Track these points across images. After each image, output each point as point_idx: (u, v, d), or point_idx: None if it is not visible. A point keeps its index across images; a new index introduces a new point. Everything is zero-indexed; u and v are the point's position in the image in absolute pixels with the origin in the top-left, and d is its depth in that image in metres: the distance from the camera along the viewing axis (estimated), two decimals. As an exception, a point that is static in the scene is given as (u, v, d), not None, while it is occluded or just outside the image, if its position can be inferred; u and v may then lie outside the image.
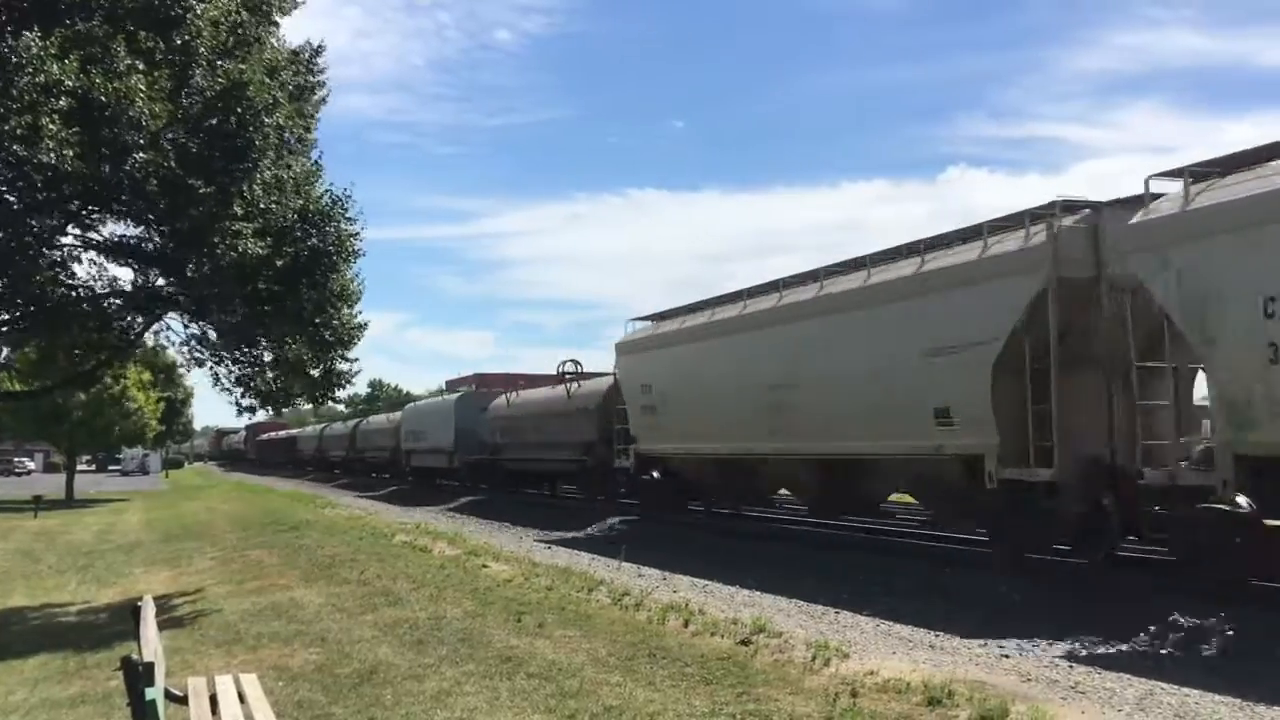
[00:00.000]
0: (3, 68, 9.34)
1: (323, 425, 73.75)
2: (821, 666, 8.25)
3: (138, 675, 4.27)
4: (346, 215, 13.64)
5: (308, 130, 13.69)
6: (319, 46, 13.87)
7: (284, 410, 18.47)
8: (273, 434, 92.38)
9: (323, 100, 13.99)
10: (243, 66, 11.22)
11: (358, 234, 13.77)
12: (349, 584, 13.70)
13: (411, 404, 48.68)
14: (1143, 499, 11.13)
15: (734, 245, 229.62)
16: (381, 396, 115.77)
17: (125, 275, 14.22)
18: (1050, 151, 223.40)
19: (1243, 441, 9.72)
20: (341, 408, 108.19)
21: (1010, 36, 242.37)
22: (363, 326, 14.70)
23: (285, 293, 12.92)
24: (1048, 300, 11.97)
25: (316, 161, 14.00)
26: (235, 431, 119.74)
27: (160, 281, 13.81)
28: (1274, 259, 9.26)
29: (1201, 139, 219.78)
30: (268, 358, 14.74)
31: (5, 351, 17.23)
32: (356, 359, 15.23)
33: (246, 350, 14.63)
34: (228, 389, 15.09)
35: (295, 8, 13.06)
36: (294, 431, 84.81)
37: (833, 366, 15.81)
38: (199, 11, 10.85)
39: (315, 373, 14.90)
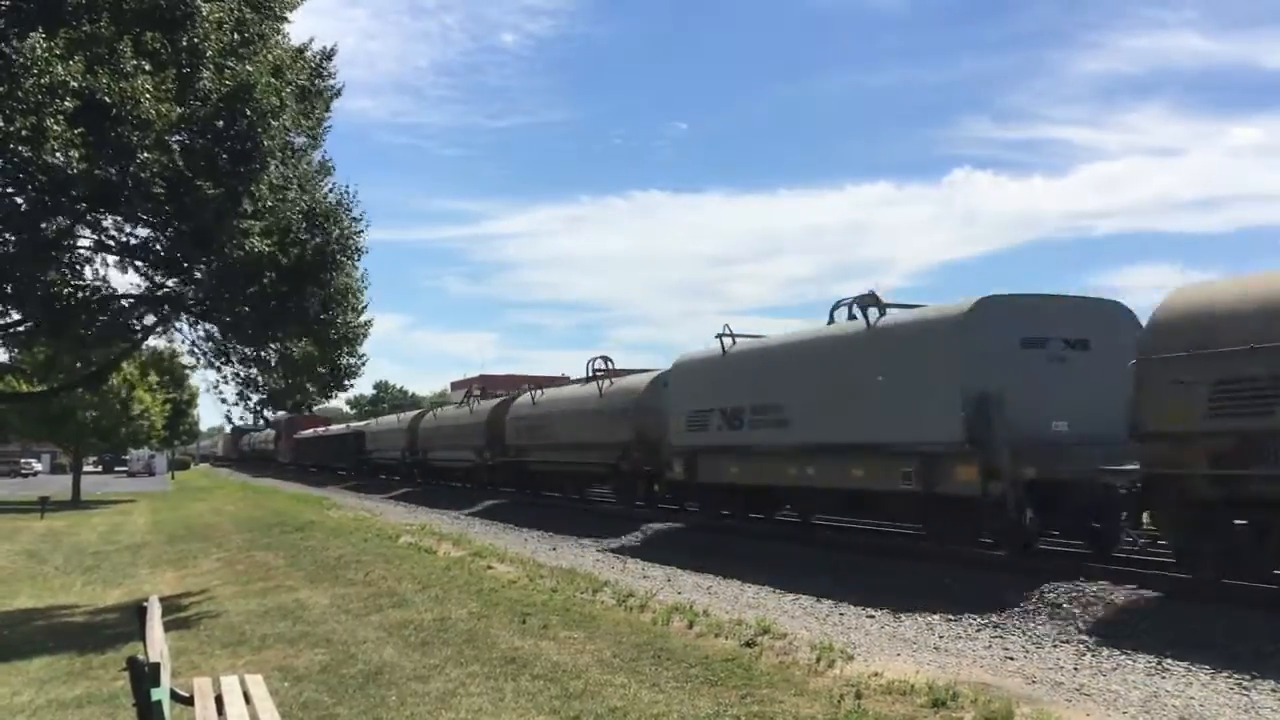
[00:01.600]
0: (8, 69, 9.37)
1: (418, 412, 48.02)
2: (826, 668, 8.26)
3: (143, 676, 4.27)
4: (351, 214, 13.73)
5: (316, 131, 13.75)
6: (330, 50, 13.92)
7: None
8: (318, 430, 70.19)
9: (335, 94, 13.99)
10: (249, 68, 11.26)
11: (360, 232, 13.86)
12: (354, 585, 13.72)
13: (695, 351, 21.18)
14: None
15: (738, 247, 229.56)
16: (386, 398, 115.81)
17: (133, 277, 14.31)
18: (1055, 154, 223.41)
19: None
20: (346, 408, 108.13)
21: (1014, 39, 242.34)
22: (368, 324, 14.83)
23: (290, 292, 12.98)
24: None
25: (323, 161, 14.07)
26: (258, 429, 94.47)
27: (168, 283, 13.87)
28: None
29: (1207, 141, 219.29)
30: (274, 357, 14.84)
31: (14, 352, 17.33)
32: (364, 354, 15.38)
33: (253, 350, 14.72)
34: (224, 398, 15.21)
35: (300, 2, 13.08)
36: (359, 425, 61.43)
37: None
38: (205, 13, 10.88)
39: (322, 370, 15.03)
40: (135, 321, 14.87)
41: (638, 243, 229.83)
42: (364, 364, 15.52)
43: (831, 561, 14.92)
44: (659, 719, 6.88)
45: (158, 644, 5.11)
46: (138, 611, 5.57)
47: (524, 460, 30.51)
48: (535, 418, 29.50)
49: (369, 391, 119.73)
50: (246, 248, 11.60)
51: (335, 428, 68.05)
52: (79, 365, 17.09)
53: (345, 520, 26.16)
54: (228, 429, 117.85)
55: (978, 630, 10.33)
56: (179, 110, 10.69)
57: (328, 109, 13.89)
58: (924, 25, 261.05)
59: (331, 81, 13.90)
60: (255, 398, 15.52)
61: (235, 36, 11.55)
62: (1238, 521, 10.10)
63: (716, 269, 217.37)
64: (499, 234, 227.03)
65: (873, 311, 15.38)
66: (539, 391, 30.70)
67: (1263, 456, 9.58)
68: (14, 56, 9.39)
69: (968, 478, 13.10)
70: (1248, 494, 9.77)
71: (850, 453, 15.29)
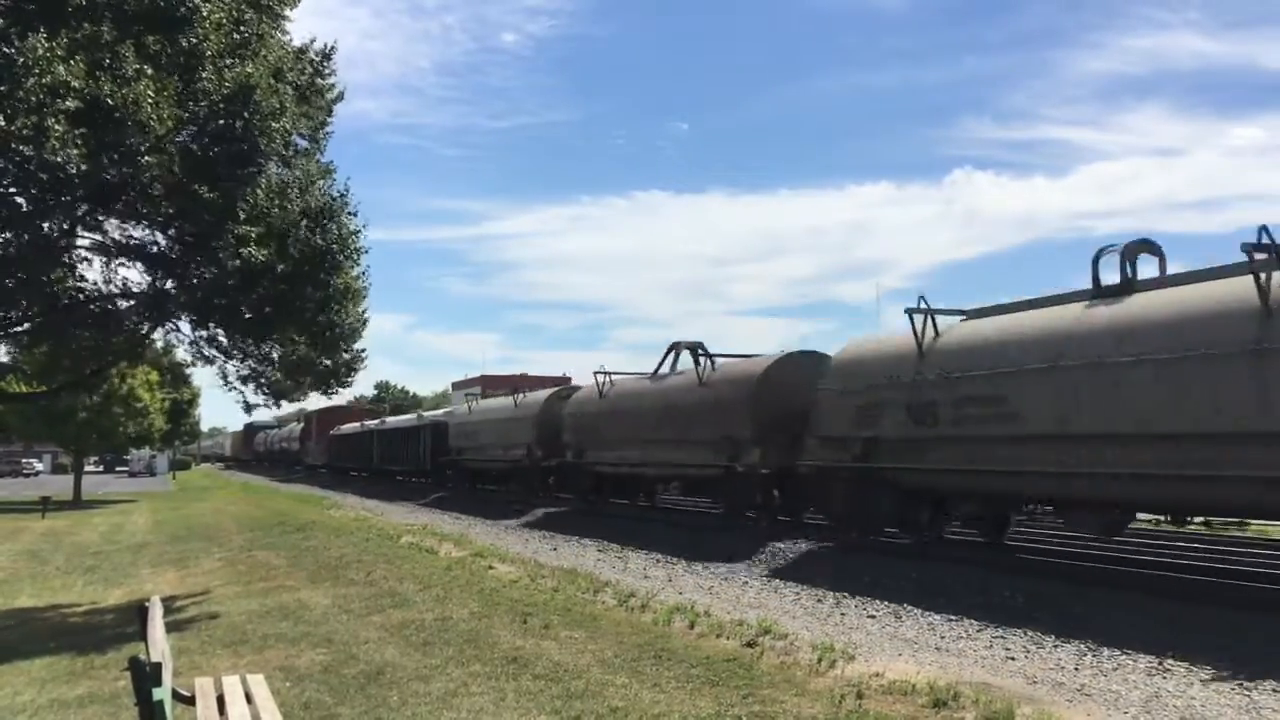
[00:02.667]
0: (10, 70, 9.38)
1: (555, 391, 30.93)
2: (827, 668, 8.26)
3: (145, 675, 4.28)
4: (348, 212, 13.75)
5: (316, 133, 13.73)
6: (330, 48, 13.90)
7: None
8: (366, 424, 54.47)
9: (338, 98, 13.98)
10: (249, 70, 11.26)
11: (358, 232, 13.87)
12: (356, 585, 13.73)
13: None
14: None
15: (739, 247, 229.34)
16: (387, 398, 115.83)
17: (134, 278, 14.32)
18: (1056, 154, 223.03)
19: None
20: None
21: (1015, 39, 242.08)
22: (364, 317, 14.87)
23: (289, 293, 12.99)
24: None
25: (325, 164, 14.06)
26: (278, 425, 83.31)
27: (168, 284, 13.88)
28: None
29: (1207, 141, 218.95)
30: (275, 355, 14.88)
31: (13, 353, 17.34)
32: (363, 350, 15.44)
33: (254, 349, 14.74)
34: (235, 387, 15.24)
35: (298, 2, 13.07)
36: (436, 414, 44.76)
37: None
38: (205, 13, 10.88)
39: (325, 364, 15.09)
40: (135, 323, 14.88)
41: (639, 243, 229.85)
42: (364, 360, 15.60)
43: None
44: (660, 719, 6.89)
45: (159, 644, 5.12)
46: (139, 611, 5.58)
47: (887, 468, 15.07)
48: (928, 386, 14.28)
49: (370, 392, 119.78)
50: (243, 255, 11.60)
51: (398, 420, 51.17)
52: (85, 359, 17.04)
53: (346, 520, 26.16)
54: (239, 426, 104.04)
55: (978, 630, 10.33)
56: (179, 113, 10.69)
57: (329, 113, 13.86)
58: (925, 26, 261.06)
59: (332, 81, 13.90)
60: (256, 399, 15.56)
61: (234, 37, 11.54)
62: None
63: (717, 269, 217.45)
64: (500, 234, 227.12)
65: None
66: (873, 339, 16.40)
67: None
68: (15, 57, 9.39)
69: None
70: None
71: None
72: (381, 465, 47.87)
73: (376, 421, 53.85)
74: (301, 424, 69.09)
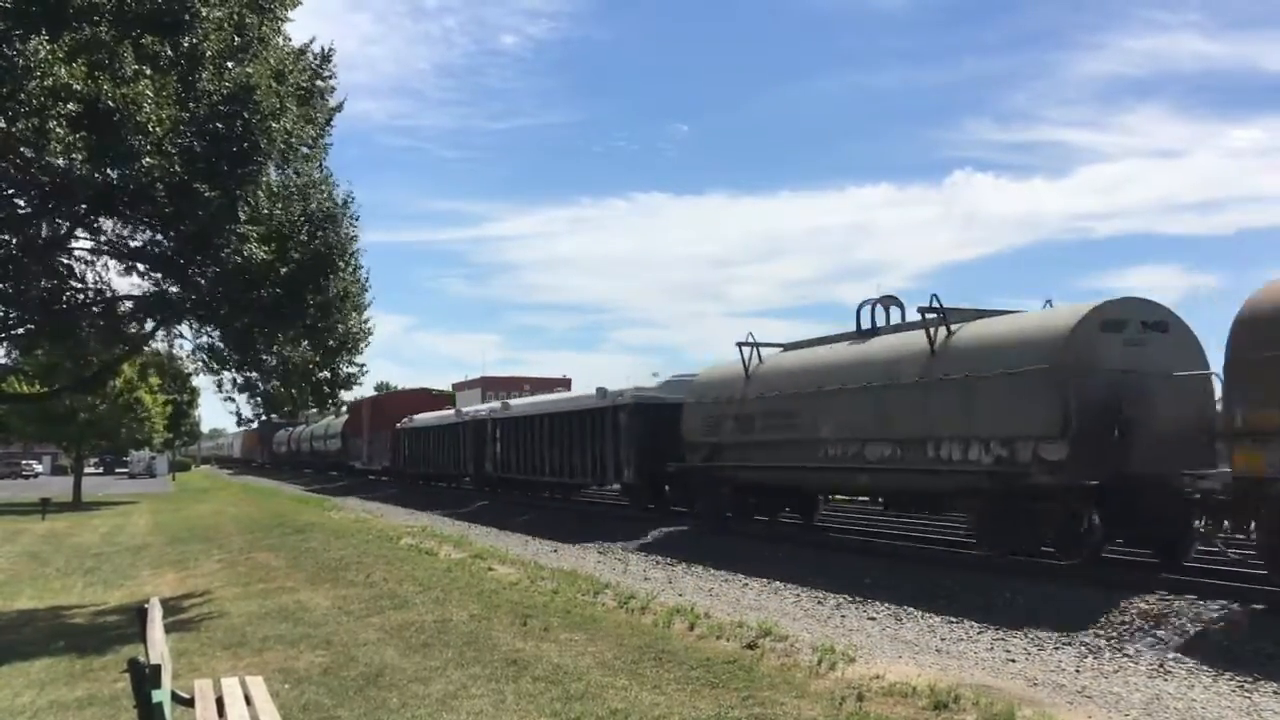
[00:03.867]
0: (11, 72, 9.38)
1: (1124, 306, 12.41)
2: (827, 670, 8.26)
3: (144, 677, 4.27)
4: (350, 218, 13.74)
5: (317, 136, 13.72)
6: (328, 51, 13.88)
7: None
8: (479, 410, 36.13)
9: (338, 108, 13.97)
10: (249, 70, 11.26)
11: (356, 236, 13.86)
12: (355, 587, 13.72)
13: None
14: None
15: (739, 248, 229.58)
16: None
17: (133, 280, 14.31)
18: (1056, 155, 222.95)
19: None
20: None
21: (1015, 40, 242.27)
22: (367, 331, 14.77)
23: (289, 297, 12.96)
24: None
25: (324, 172, 14.04)
26: (304, 421, 68.38)
27: (168, 286, 13.87)
28: None
29: (1208, 142, 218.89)
30: (273, 363, 14.82)
31: (14, 354, 17.34)
32: (364, 364, 15.38)
33: (252, 355, 14.69)
34: (231, 398, 15.26)
35: (298, 3, 13.04)
36: (650, 389, 23.46)
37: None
38: (204, 14, 10.88)
39: (322, 375, 15.03)
40: (135, 326, 14.87)
41: (639, 244, 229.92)
42: (364, 372, 15.58)
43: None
44: (660, 721, 6.87)
45: (159, 645, 5.11)
46: (139, 613, 5.57)
47: None
48: None
49: (370, 393, 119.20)
50: (245, 253, 11.59)
51: (541, 401, 31.57)
52: (82, 364, 17.04)
53: (346, 522, 26.16)
54: (253, 425, 79.36)
55: (979, 633, 10.32)
56: (179, 113, 10.68)
57: (329, 121, 13.78)
58: (925, 26, 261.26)
59: (333, 84, 13.87)
60: (248, 411, 15.60)
61: (235, 39, 11.54)
62: None
63: (718, 270, 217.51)
64: (500, 235, 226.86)
65: None
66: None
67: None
68: (17, 59, 9.39)
69: None
70: None
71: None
72: (507, 474, 31.52)
73: (493, 405, 35.01)
74: (345, 415, 51.64)
